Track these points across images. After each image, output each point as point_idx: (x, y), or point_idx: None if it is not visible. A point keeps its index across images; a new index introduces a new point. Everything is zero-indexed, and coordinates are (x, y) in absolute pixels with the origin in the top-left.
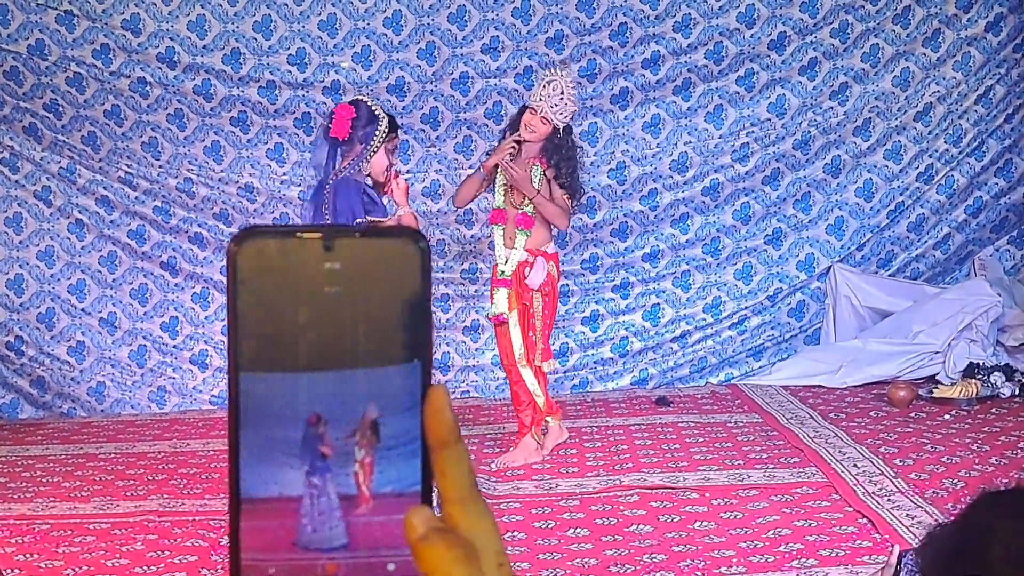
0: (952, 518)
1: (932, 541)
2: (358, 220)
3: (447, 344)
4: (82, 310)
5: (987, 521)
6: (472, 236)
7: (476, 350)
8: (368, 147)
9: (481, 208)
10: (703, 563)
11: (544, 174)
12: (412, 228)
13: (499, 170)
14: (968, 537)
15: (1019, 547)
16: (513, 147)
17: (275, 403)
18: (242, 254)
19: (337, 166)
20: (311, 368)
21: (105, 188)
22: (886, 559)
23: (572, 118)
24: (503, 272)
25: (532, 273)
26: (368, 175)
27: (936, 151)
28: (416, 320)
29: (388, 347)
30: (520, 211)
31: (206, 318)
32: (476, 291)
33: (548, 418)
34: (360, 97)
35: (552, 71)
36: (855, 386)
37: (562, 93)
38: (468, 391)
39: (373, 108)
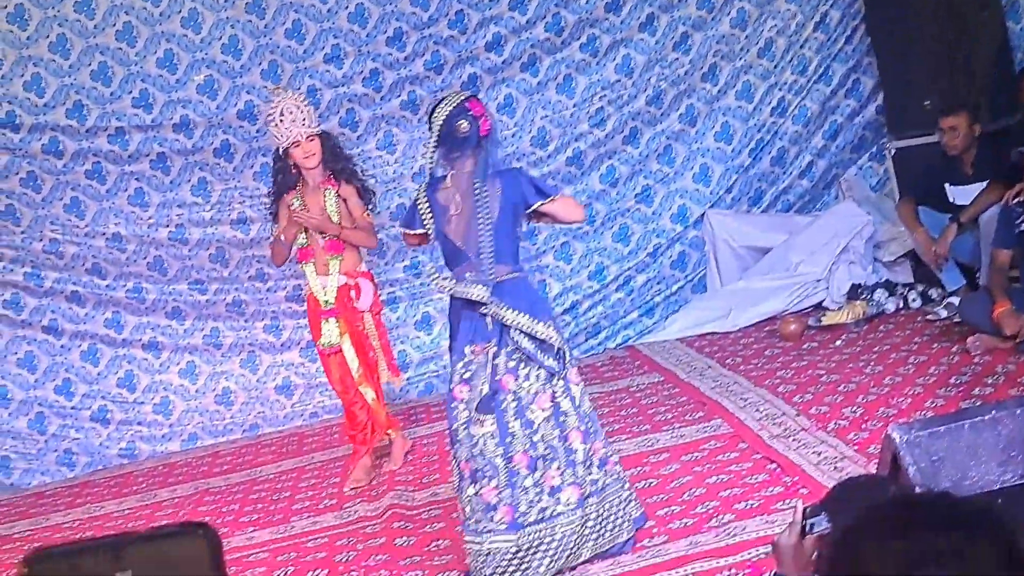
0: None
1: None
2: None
3: (401, 342)
4: None
5: (855, 547)
6: None
7: (432, 341)
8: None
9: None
10: None
11: (337, 195)
12: (199, 523)
13: (293, 208)
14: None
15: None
16: (299, 217)
17: None
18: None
19: (482, 161)
20: None
21: None
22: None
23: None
24: (327, 302)
25: (362, 297)
26: None
27: (785, 83)
28: None
29: None
30: (327, 238)
31: (99, 374)
32: (421, 284)
33: (390, 431)
34: (447, 93)
35: (272, 100)
36: (747, 327)
37: (296, 108)
38: (432, 383)
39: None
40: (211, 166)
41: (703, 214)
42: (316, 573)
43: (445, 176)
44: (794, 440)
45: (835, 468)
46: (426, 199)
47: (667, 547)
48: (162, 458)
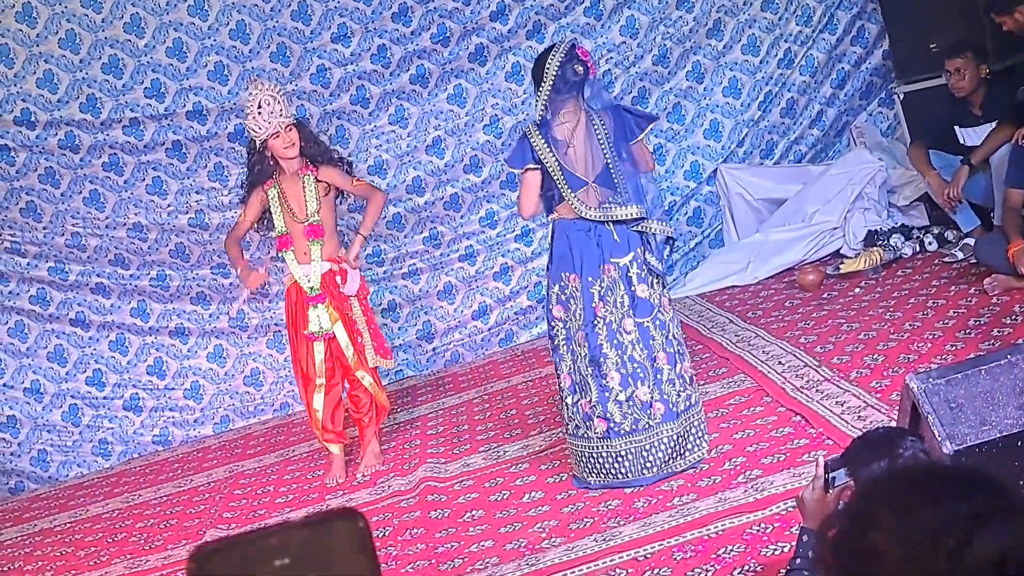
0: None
1: (853, 460)
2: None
3: (425, 313)
4: (4, 385)
5: (871, 510)
6: (426, 203)
7: (456, 311)
8: None
9: (428, 172)
10: (655, 499)
11: (316, 180)
12: (350, 509)
13: (271, 198)
14: (855, 525)
15: (901, 534)
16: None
17: None
18: (201, 569)
19: (592, 98)
20: None
21: None
22: (815, 458)
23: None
24: (313, 289)
25: (349, 283)
26: None
27: (790, 35)
28: None
29: None
30: (307, 224)
31: (128, 363)
32: (441, 255)
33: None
34: (552, 45)
35: (251, 92)
36: (766, 279)
37: (273, 99)
38: (458, 352)
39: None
40: (226, 151)
41: (716, 169)
42: None
43: (554, 117)
44: (817, 391)
45: (859, 417)
46: (540, 137)
47: (696, 504)
48: (196, 443)
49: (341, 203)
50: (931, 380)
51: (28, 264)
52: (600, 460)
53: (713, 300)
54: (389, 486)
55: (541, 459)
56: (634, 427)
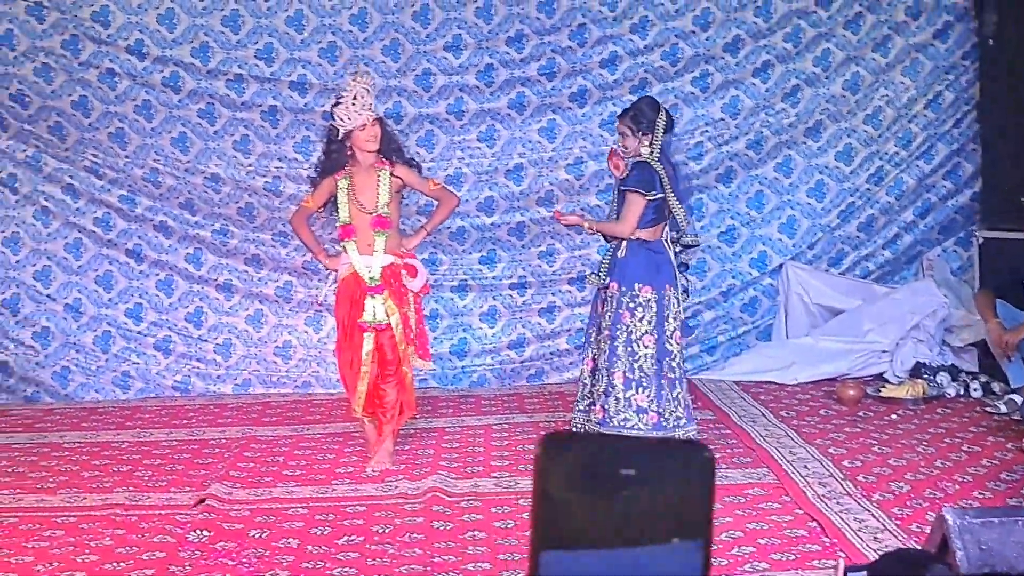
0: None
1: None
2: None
3: (464, 330)
4: (47, 296)
5: None
6: (492, 224)
7: (493, 335)
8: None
9: (502, 196)
10: None
11: (392, 175)
12: (700, 443)
13: (340, 187)
14: None
15: None
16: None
17: None
18: (548, 457)
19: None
20: (604, 548)
21: (71, 177)
22: (833, 570)
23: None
24: (373, 279)
25: (418, 277)
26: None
27: (886, 153)
28: (700, 514)
29: (673, 534)
30: (375, 215)
31: (170, 305)
32: (494, 277)
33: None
34: (645, 97)
35: (350, 82)
36: (806, 383)
37: (367, 92)
38: (485, 376)
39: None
40: (317, 127)
41: (782, 264)
42: (351, 539)
43: (661, 155)
44: (838, 503)
45: (875, 538)
46: (663, 170)
47: None
48: (213, 397)
49: (405, 204)
50: (967, 518)
51: (102, 187)
52: None
53: (748, 390)
54: (396, 487)
55: None
56: (676, 424)
